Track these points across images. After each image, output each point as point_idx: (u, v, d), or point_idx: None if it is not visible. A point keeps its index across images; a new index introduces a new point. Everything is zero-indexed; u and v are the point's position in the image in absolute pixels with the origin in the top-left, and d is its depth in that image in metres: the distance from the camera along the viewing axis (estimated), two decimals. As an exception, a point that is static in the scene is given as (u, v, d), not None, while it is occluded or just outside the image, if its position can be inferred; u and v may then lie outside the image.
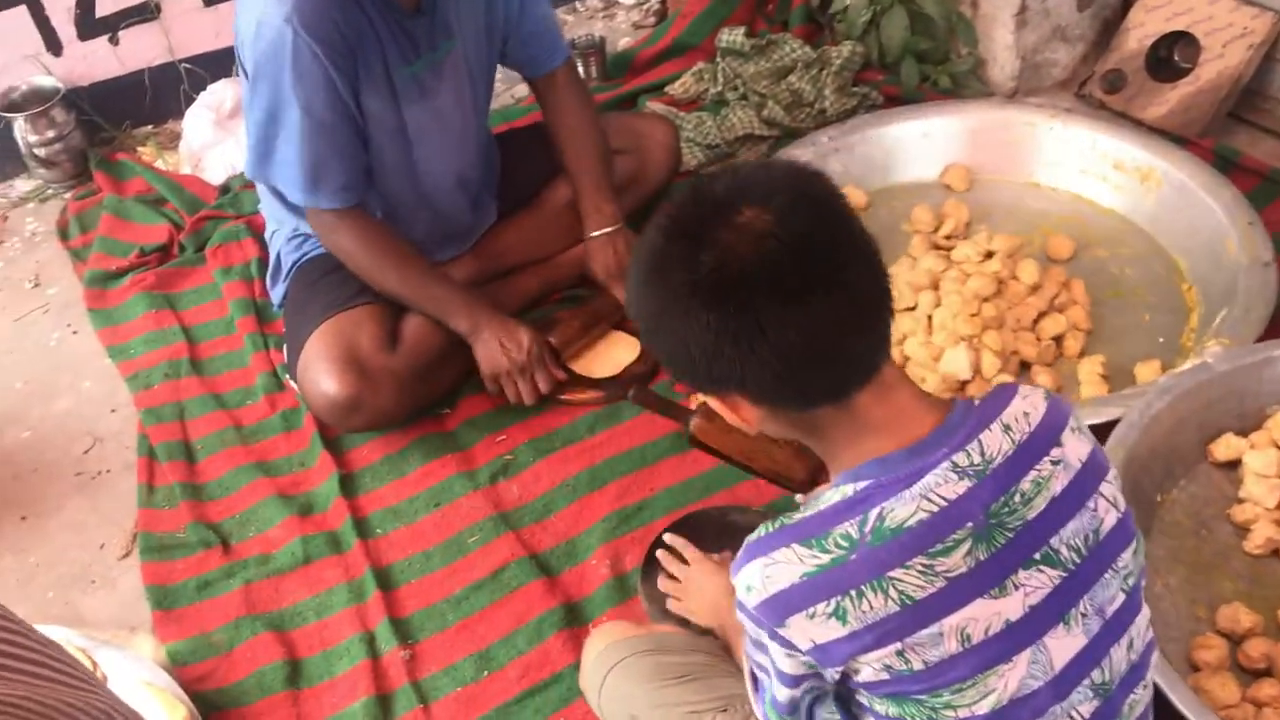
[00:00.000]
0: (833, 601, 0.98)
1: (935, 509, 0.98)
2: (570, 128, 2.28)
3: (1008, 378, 2.06)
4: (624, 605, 1.82)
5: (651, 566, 1.80)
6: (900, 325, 2.15)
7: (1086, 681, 1.04)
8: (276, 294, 2.29)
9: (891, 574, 0.97)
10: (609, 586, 1.84)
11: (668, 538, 1.67)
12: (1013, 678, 1.01)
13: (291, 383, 2.20)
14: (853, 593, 0.98)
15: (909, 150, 2.57)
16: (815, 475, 1.59)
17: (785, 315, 0.96)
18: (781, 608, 1.00)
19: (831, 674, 1.02)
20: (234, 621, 1.86)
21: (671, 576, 1.62)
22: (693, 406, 1.67)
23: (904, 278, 2.25)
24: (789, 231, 0.97)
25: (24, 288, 2.66)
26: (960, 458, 1.00)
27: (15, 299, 2.63)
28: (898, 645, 0.98)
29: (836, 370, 1.01)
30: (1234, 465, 1.89)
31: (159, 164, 2.92)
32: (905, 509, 0.98)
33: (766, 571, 1.00)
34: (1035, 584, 1.01)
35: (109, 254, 2.65)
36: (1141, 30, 2.73)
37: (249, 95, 1.95)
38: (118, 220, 2.73)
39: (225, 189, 2.78)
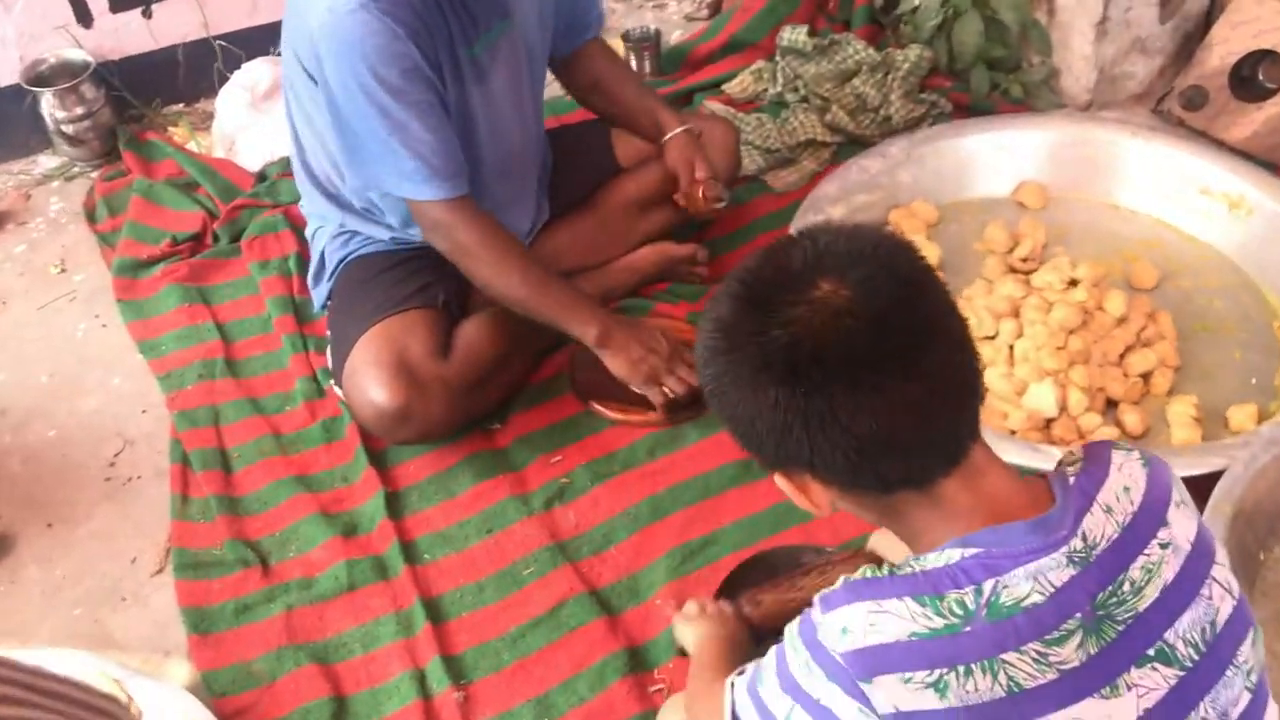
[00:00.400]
0: (936, 672, 0.89)
1: (1047, 594, 0.91)
2: (614, 77, 2.18)
3: (1096, 417, 1.95)
4: (690, 651, 1.71)
5: (720, 610, 1.71)
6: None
7: None
8: (319, 294, 2.18)
9: (1004, 656, 0.89)
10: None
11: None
12: None
13: (336, 389, 2.09)
14: (960, 668, 0.89)
15: (982, 164, 2.45)
16: None
17: (859, 400, 0.90)
18: (877, 662, 0.91)
19: None
20: (276, 651, 1.76)
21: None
22: None
23: (981, 303, 2.14)
24: (867, 310, 0.91)
25: (49, 273, 2.54)
26: (1075, 542, 0.92)
27: (40, 284, 2.51)
28: None
29: (915, 459, 0.94)
30: (1339, 523, 1.79)
31: (191, 146, 2.80)
32: (1022, 587, 0.90)
33: (872, 619, 0.91)
34: (1150, 684, 0.92)
35: (139, 240, 2.53)
36: (1225, 46, 2.60)
37: (323, 96, 1.81)
38: (148, 204, 2.61)
39: (262, 176, 2.66)
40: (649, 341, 1.95)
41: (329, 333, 2.12)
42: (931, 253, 2.23)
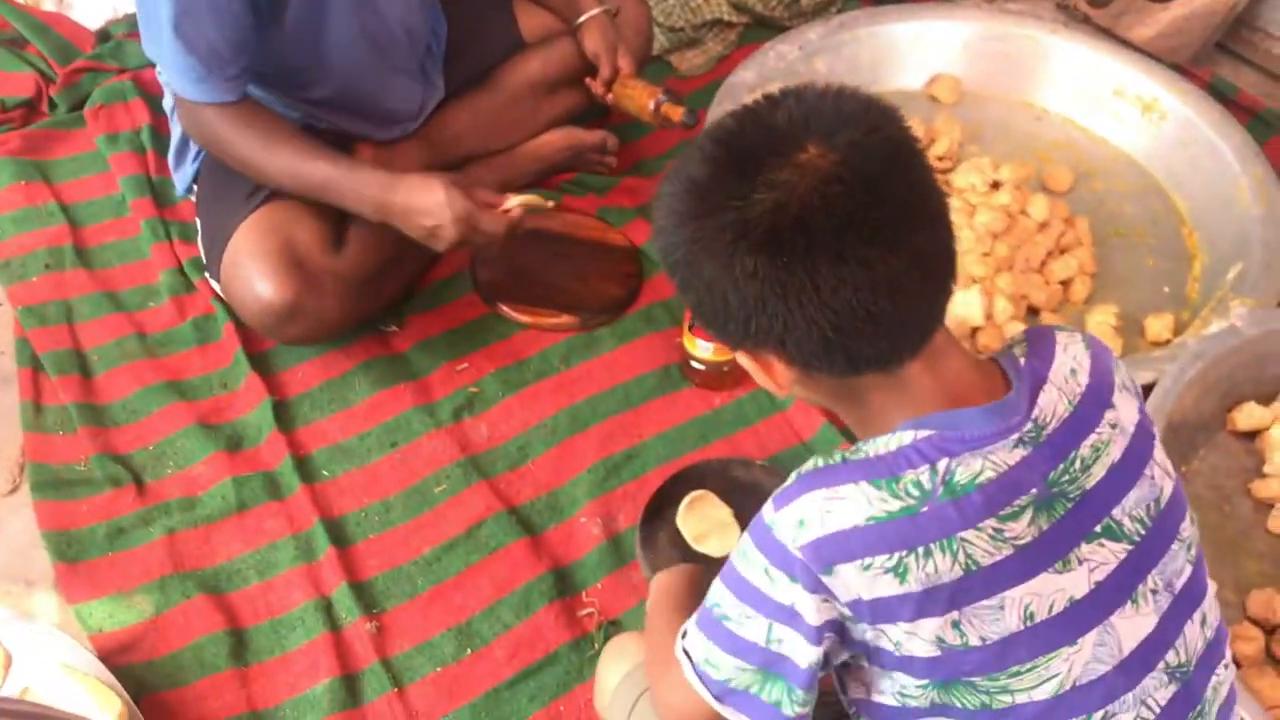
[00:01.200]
0: (895, 556, 0.88)
1: (1000, 470, 0.90)
2: None
3: (1019, 325, 1.91)
4: (620, 571, 1.62)
5: (650, 529, 1.63)
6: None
7: (1161, 665, 0.96)
8: (182, 177, 1.93)
9: (963, 534, 0.88)
10: (602, 550, 1.63)
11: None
12: (1077, 661, 0.92)
13: (212, 283, 1.86)
14: (919, 549, 0.88)
15: (898, 55, 2.35)
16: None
17: (842, 272, 0.86)
18: (835, 551, 0.88)
19: (863, 630, 0.91)
20: (159, 580, 1.58)
21: None
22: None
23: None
24: (857, 176, 0.86)
25: None
26: (1027, 425, 0.92)
27: None
28: (955, 615, 0.89)
29: (890, 336, 0.90)
30: (1254, 435, 1.81)
31: (15, -4, 2.44)
32: (976, 464, 0.89)
33: (829, 505, 0.89)
34: (1100, 559, 0.93)
35: (-40, 107, 2.20)
36: (1135, -59, 2.55)
37: None
38: (-32, 65, 2.27)
39: (104, 35, 2.34)
40: (433, 213, 1.64)
41: (198, 220, 1.89)
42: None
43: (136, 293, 1.94)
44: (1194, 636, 0.99)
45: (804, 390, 0.97)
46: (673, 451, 1.76)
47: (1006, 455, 0.90)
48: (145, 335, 1.87)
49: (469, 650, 1.54)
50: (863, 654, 0.94)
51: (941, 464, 0.89)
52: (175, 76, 1.63)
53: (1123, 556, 0.94)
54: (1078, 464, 0.93)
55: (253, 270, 1.72)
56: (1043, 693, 0.92)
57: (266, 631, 1.55)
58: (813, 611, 0.90)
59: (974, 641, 0.90)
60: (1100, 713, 0.94)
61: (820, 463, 0.92)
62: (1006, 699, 0.92)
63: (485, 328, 1.91)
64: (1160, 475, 0.98)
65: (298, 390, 1.81)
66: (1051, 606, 0.91)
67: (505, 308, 1.92)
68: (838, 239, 0.85)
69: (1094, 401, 0.95)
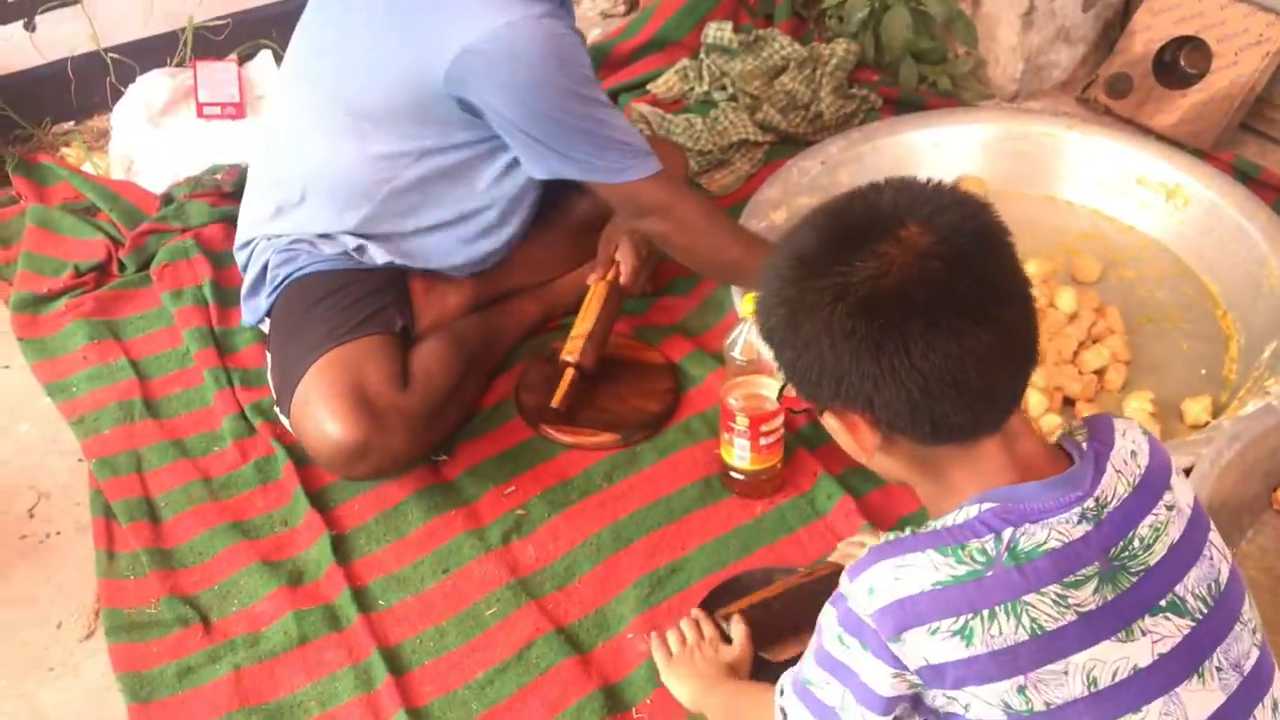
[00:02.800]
0: (961, 619, 0.94)
1: (1061, 543, 0.95)
2: None
3: (1055, 417, 1.93)
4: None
5: (696, 641, 1.65)
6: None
7: None
8: (254, 308, 2.02)
9: (1026, 599, 0.94)
10: (649, 665, 1.66)
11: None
12: None
13: (283, 419, 1.95)
14: (985, 613, 0.94)
15: (920, 161, 2.41)
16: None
17: (935, 338, 0.94)
18: (904, 616, 0.95)
19: (934, 697, 0.97)
20: (225, 716, 1.63)
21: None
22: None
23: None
24: (953, 253, 0.95)
25: (-62, 312, 2.35)
26: (1089, 501, 0.97)
27: (-71, 325, 2.32)
28: (1020, 680, 0.94)
29: (973, 408, 0.98)
30: (1302, 514, 1.80)
31: (86, 167, 2.63)
32: (1040, 534, 0.95)
33: (897, 573, 0.96)
34: (1163, 632, 0.97)
35: (38, 272, 2.35)
36: (1148, 34, 2.62)
37: (496, 110, 1.78)
38: (45, 233, 2.43)
39: (168, 199, 2.50)
40: None
41: (269, 357, 1.99)
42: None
43: (201, 439, 2.04)
44: None
45: (885, 457, 1.04)
46: (716, 562, 1.79)
47: (1070, 528, 0.96)
48: (209, 479, 1.96)
49: (524, 772, 1.57)
50: None
51: (1006, 532, 0.95)
52: (637, 165, 1.82)
53: (1186, 632, 0.98)
54: (1137, 542, 0.97)
55: (324, 411, 1.80)
56: None
57: (329, 762, 1.60)
58: (883, 682, 0.97)
59: (1039, 707, 0.94)
60: None
61: (891, 536, 0.99)
62: None
63: (530, 450, 1.97)
64: (1218, 557, 1.03)
65: (354, 523, 1.89)
66: (1115, 673, 0.95)
67: (548, 429, 1.98)
68: (931, 309, 0.94)
69: (1153, 483, 1.01)
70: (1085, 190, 2.38)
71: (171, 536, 1.88)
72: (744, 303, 1.82)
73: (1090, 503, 0.96)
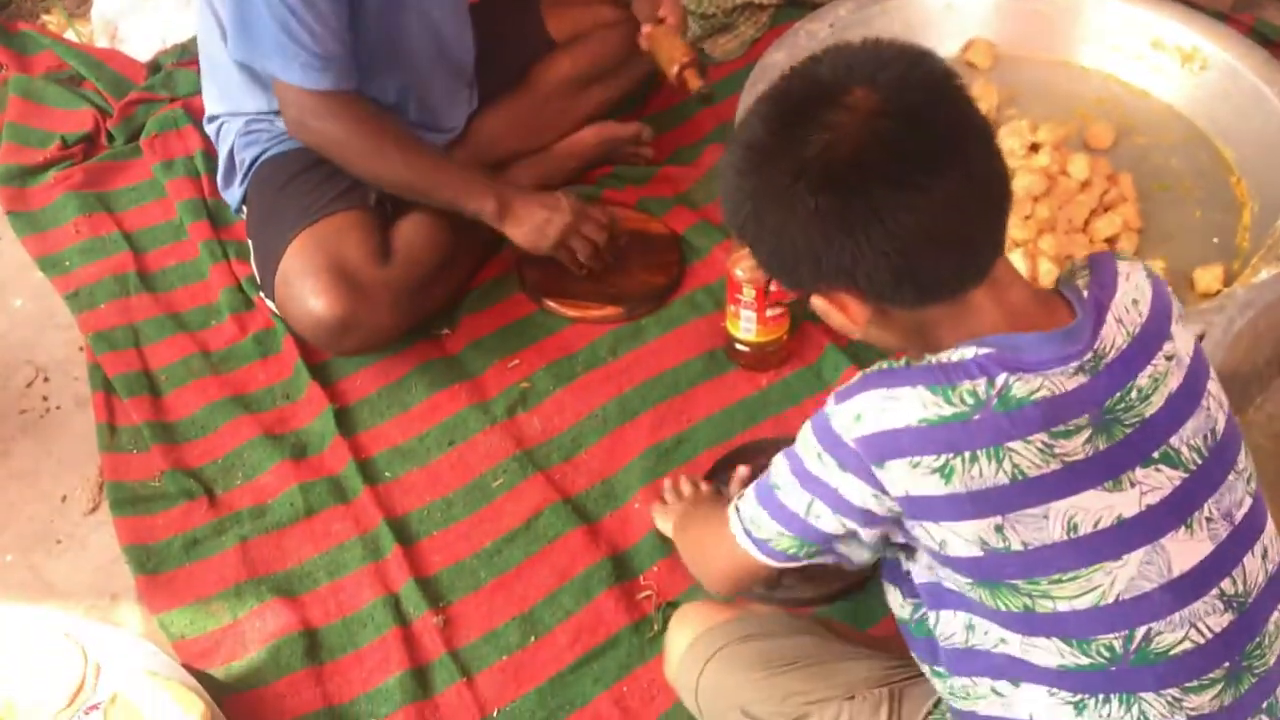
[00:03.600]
0: (942, 457, 0.94)
1: (1054, 393, 0.94)
2: None
3: (1065, 287, 1.90)
4: (675, 554, 1.62)
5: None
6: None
7: (1214, 592, 0.99)
8: (232, 197, 2.00)
9: (1011, 444, 0.94)
10: (656, 534, 1.66)
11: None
12: (1121, 576, 0.97)
13: (267, 301, 1.93)
14: (966, 454, 0.94)
15: (931, 23, 2.33)
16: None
17: (902, 198, 0.92)
18: (887, 447, 0.95)
19: (912, 527, 0.98)
20: (234, 587, 1.65)
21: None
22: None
23: (940, 172, 2.06)
24: (902, 109, 0.93)
25: (-77, 185, 2.29)
26: (1087, 354, 0.96)
27: (-86, 199, 2.27)
28: (998, 519, 0.95)
29: (955, 259, 0.96)
30: (1311, 382, 1.79)
31: (70, 35, 2.54)
32: (1034, 382, 0.94)
33: (884, 404, 0.96)
34: (1154, 483, 0.97)
35: (24, 144, 2.29)
36: (1169, -112, 2.51)
37: None
38: (29, 104, 2.36)
39: (155, 66, 2.43)
40: (549, 203, 1.86)
41: (250, 241, 1.95)
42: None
43: (198, 312, 2.01)
44: (1254, 569, 1.01)
45: (877, 329, 1.03)
46: (722, 434, 1.79)
47: (1065, 380, 0.95)
48: (209, 353, 1.95)
49: (533, 638, 1.59)
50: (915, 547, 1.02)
51: (1000, 377, 0.94)
52: (294, 69, 1.70)
53: (1178, 483, 0.98)
54: (1134, 394, 0.97)
55: (305, 288, 1.78)
56: (1084, 602, 0.97)
57: (339, 630, 1.61)
58: (860, 496, 0.98)
59: (1016, 546, 0.95)
60: (1143, 628, 0.97)
61: (884, 365, 0.99)
62: (1048, 604, 0.97)
63: (534, 324, 1.95)
64: (1215, 407, 1.02)
65: (357, 397, 1.87)
66: (1098, 522, 0.95)
67: (551, 303, 1.96)
68: (891, 169, 0.92)
69: (1153, 333, 0.99)
70: (1099, 54, 2.31)
71: (172, 410, 1.87)
72: (732, 262, 1.77)
73: (1089, 355, 0.95)
